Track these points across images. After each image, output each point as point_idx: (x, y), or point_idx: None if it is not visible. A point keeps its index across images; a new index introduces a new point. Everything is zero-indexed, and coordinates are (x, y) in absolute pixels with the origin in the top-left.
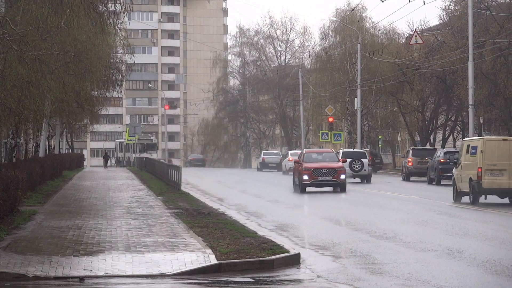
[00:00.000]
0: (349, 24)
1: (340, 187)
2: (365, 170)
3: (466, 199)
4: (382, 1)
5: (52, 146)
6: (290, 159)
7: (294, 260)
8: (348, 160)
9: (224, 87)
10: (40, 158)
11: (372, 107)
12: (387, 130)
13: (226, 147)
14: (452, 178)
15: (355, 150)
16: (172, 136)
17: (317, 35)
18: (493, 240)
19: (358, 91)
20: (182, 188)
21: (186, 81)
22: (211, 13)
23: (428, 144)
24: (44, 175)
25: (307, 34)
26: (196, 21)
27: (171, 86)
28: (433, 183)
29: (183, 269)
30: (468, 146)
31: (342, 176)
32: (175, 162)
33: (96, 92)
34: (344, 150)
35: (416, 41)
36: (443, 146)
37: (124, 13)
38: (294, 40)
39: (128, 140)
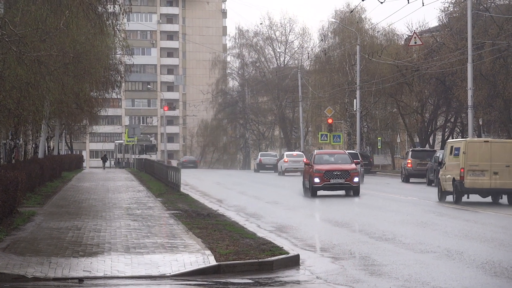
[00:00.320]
0: (348, 25)
1: (353, 191)
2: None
3: (450, 198)
4: (381, 3)
5: (51, 147)
6: (286, 160)
7: (294, 262)
8: None
9: (223, 89)
10: (39, 159)
11: (371, 109)
12: (386, 132)
13: (225, 149)
14: (438, 178)
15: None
16: (171, 138)
17: (316, 37)
18: (492, 242)
19: (357, 92)
20: (181, 189)
21: (185, 82)
22: (210, 14)
23: (427, 145)
24: (43, 176)
25: (306, 36)
26: (195, 23)
27: (170, 87)
28: (433, 184)
29: (183, 270)
30: (452, 147)
31: (356, 179)
32: (174, 163)
33: (95, 93)
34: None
35: (415, 43)
36: (442, 148)
37: (123, 14)
38: (293, 41)
39: (127, 141)
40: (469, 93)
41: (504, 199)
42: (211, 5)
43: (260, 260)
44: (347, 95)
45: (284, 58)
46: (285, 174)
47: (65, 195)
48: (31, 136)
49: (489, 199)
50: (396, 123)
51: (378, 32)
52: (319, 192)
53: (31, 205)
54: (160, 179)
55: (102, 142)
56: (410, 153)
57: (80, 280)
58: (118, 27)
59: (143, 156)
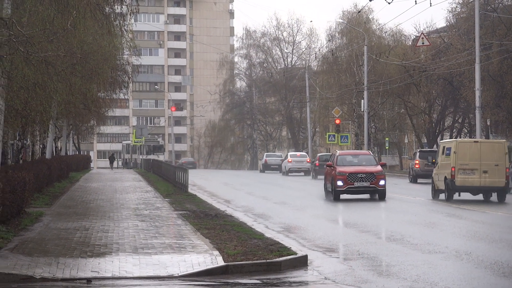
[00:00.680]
0: (356, 26)
1: (379, 195)
2: None
3: (442, 196)
4: (389, 3)
5: (59, 148)
6: (289, 160)
7: (302, 262)
8: None
9: (231, 89)
10: (47, 160)
11: (379, 109)
12: (394, 132)
13: (233, 149)
14: (431, 177)
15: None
16: (178, 138)
17: (324, 37)
18: (500, 242)
19: (365, 93)
20: (189, 190)
21: (193, 83)
22: (217, 15)
23: (435, 146)
24: (51, 176)
25: (313, 36)
26: (202, 23)
27: (177, 88)
28: None
29: (190, 270)
30: (444, 147)
31: (382, 182)
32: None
33: (103, 94)
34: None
35: (423, 43)
36: None
37: (130, 14)
38: (300, 42)
39: (134, 142)
40: (477, 93)
41: (494, 197)
42: (218, 5)
43: (268, 260)
44: (354, 95)
45: (292, 59)
46: (289, 174)
47: (73, 196)
48: (38, 136)
49: (480, 197)
50: (404, 123)
51: (385, 32)
52: (342, 196)
53: (39, 206)
54: (167, 180)
55: (109, 142)
56: (417, 153)
57: (88, 280)
58: (125, 27)
59: (151, 157)
